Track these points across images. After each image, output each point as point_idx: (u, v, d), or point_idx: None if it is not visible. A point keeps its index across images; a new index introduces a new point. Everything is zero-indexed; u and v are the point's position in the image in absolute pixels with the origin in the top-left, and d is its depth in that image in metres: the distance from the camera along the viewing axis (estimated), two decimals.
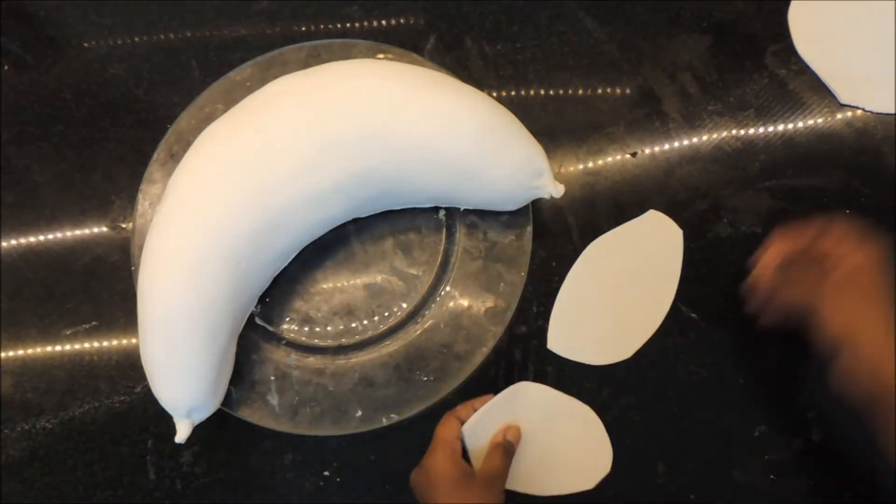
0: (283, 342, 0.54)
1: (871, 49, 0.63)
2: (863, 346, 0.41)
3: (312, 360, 0.53)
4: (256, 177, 0.47)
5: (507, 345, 0.56)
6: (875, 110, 0.62)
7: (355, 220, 0.55)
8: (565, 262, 0.58)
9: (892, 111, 0.62)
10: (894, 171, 0.61)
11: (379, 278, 0.56)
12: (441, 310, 0.54)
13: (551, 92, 0.65)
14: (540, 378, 0.55)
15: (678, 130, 0.63)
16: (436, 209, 0.57)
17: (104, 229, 0.61)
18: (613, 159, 0.62)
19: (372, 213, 0.55)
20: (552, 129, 0.63)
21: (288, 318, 0.55)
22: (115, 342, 0.57)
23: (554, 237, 0.59)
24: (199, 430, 0.50)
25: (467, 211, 0.56)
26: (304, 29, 0.67)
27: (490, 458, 0.48)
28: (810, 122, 0.63)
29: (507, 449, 0.48)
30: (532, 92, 0.65)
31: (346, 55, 0.60)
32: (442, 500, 0.44)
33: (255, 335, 0.54)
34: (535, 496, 0.52)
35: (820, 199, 0.60)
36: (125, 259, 0.59)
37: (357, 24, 0.67)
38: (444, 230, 0.57)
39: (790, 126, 0.63)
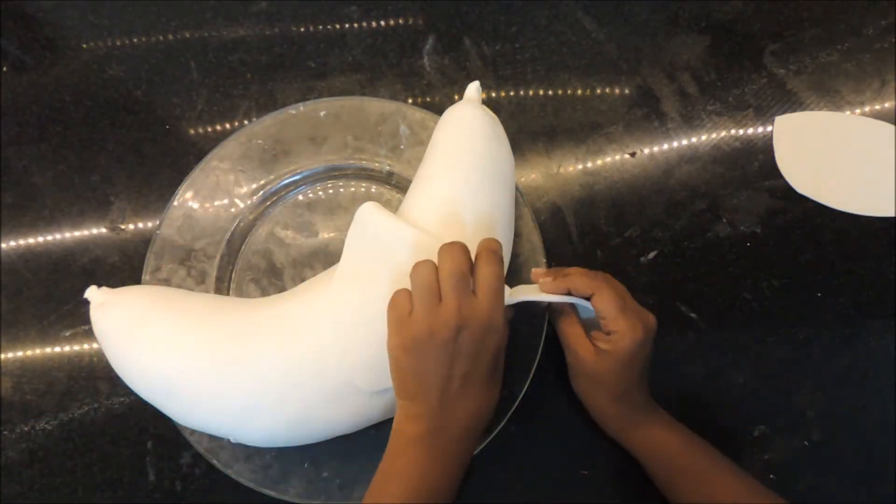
0: None
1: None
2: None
3: None
4: None
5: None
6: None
7: None
8: (564, 261, 0.58)
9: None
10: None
11: None
12: None
13: (550, 92, 0.65)
14: (538, 375, 0.54)
15: (677, 130, 0.63)
16: None
17: (103, 230, 0.61)
18: (612, 159, 0.62)
19: None
20: (551, 129, 0.63)
21: None
22: None
23: (553, 237, 0.59)
24: (198, 432, 0.50)
25: None
26: (302, 30, 0.67)
27: (484, 270, 0.41)
28: None
29: (496, 252, 0.42)
30: (531, 92, 0.65)
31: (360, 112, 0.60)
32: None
33: None
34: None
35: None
36: (124, 260, 0.59)
37: (356, 25, 0.68)
38: None
39: None
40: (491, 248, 0.43)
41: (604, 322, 0.46)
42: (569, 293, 0.47)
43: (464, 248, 0.42)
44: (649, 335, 0.46)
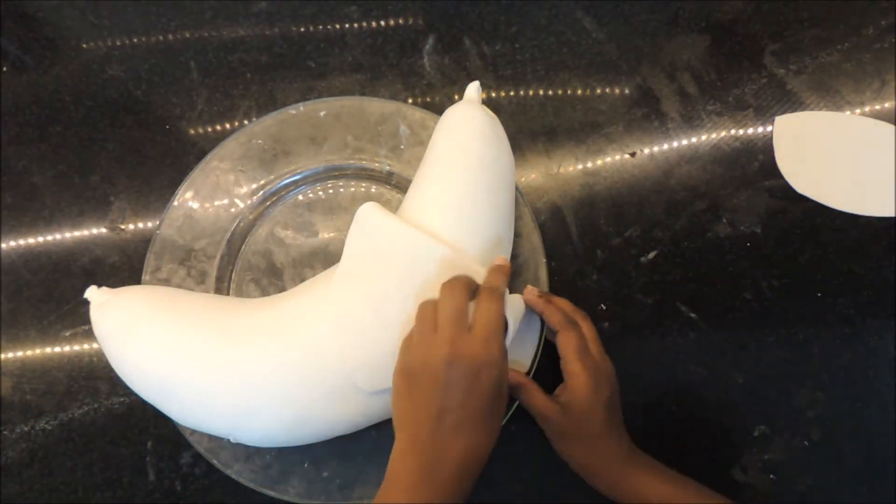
0: None
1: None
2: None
3: None
4: None
5: None
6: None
7: None
8: (564, 261, 0.58)
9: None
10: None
11: None
12: None
13: (550, 92, 0.65)
14: (538, 375, 0.55)
15: (677, 130, 0.63)
16: None
17: (103, 230, 0.61)
18: (612, 159, 0.62)
19: None
20: (551, 129, 0.63)
21: None
22: None
23: (553, 237, 0.59)
24: (198, 432, 0.50)
25: None
26: (302, 30, 0.67)
27: (484, 306, 0.42)
28: None
29: (498, 289, 0.43)
30: (531, 92, 0.65)
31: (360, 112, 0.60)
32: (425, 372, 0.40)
33: None
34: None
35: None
36: (124, 260, 0.59)
37: (356, 25, 0.68)
38: None
39: None
40: (494, 284, 0.43)
41: (562, 364, 0.47)
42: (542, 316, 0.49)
43: (464, 284, 0.42)
44: (602, 381, 0.46)
